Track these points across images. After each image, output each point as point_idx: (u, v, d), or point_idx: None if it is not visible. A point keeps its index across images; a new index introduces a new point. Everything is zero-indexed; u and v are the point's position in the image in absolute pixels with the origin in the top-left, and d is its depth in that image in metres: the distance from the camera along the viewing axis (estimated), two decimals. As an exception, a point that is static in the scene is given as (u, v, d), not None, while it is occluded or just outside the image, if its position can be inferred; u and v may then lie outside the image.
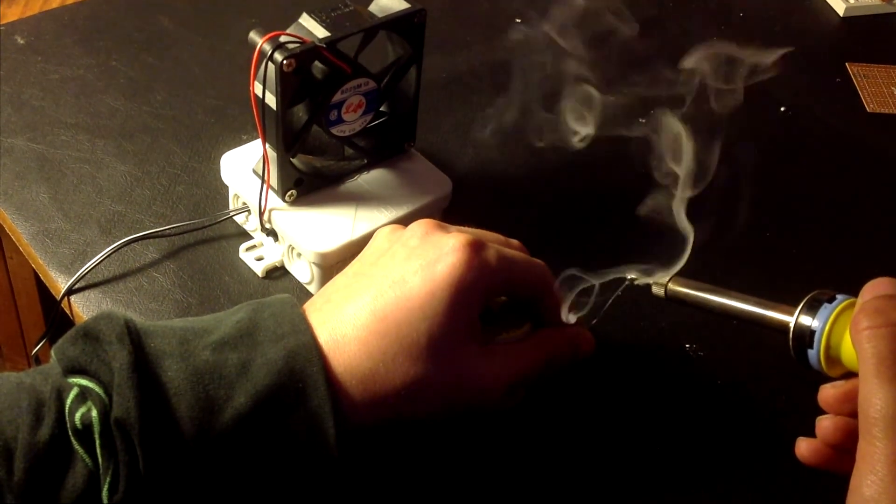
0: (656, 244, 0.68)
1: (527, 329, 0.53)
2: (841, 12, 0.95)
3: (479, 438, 0.55)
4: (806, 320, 0.44)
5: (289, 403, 0.45)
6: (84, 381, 0.44)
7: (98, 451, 0.43)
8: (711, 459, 0.56)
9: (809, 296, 0.44)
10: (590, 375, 0.59)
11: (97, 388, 0.44)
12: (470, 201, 0.69)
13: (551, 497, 0.53)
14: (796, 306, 0.44)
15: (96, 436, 0.43)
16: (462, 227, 0.53)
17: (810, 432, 0.57)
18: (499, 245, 0.52)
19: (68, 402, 0.44)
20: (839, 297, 0.43)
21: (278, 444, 0.46)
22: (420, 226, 0.51)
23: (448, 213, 0.66)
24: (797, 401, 0.59)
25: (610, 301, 0.56)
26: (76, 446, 0.43)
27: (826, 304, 0.43)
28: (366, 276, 0.50)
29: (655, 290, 0.53)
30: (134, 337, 0.45)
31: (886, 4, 0.96)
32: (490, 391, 0.50)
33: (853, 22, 0.95)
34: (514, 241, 0.55)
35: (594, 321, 0.57)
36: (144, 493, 0.43)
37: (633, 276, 0.55)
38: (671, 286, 0.52)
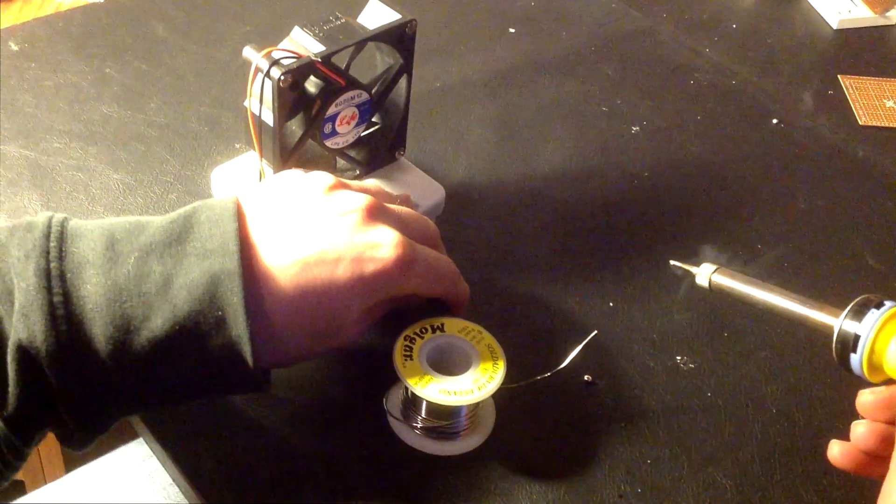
0: (648, 255, 0.69)
1: (491, 386, 0.53)
2: (834, 25, 0.96)
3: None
4: (850, 325, 0.44)
5: (206, 330, 0.45)
6: None
7: None
8: (703, 472, 0.56)
9: (857, 300, 0.44)
10: (582, 387, 0.59)
11: None
12: (463, 209, 0.70)
13: (541, 510, 0.54)
14: (842, 308, 0.45)
15: None
16: (395, 209, 0.54)
17: (801, 441, 0.58)
18: (419, 237, 0.54)
19: None
20: (888, 303, 0.44)
21: (195, 368, 0.46)
22: (360, 205, 0.51)
23: (440, 220, 0.66)
24: (788, 411, 0.59)
25: (577, 350, 0.57)
26: None
27: (873, 310, 0.43)
28: (295, 232, 0.49)
29: (699, 280, 0.53)
30: (52, 244, 0.45)
31: (879, 17, 0.96)
32: (343, 347, 0.53)
33: (846, 34, 0.95)
34: (432, 229, 0.56)
35: (562, 367, 0.57)
36: (40, 414, 0.44)
37: (677, 263, 0.56)
38: (715, 278, 0.52)
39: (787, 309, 0.48)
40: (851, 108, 0.85)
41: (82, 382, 0.44)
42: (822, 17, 0.97)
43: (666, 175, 0.77)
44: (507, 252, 0.68)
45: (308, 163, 0.62)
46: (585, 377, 0.60)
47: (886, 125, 0.84)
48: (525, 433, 0.57)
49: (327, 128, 0.59)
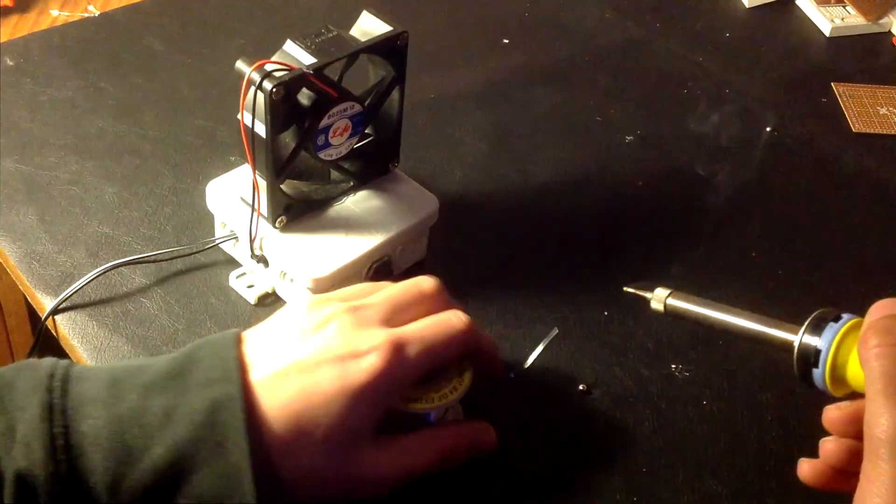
0: (643, 264, 0.69)
1: (460, 390, 0.52)
2: (827, 32, 0.96)
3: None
4: (811, 339, 0.43)
5: (207, 456, 0.44)
6: None
7: None
8: (699, 480, 0.56)
9: (814, 315, 0.44)
10: (576, 397, 0.59)
11: None
12: (457, 220, 0.70)
13: (537, 520, 0.53)
14: (799, 324, 0.44)
15: None
16: (377, 304, 0.51)
17: (797, 449, 0.57)
18: (415, 308, 0.51)
19: None
20: (845, 316, 0.43)
21: (195, 497, 0.45)
22: (338, 316, 0.50)
23: (435, 232, 0.67)
24: (784, 418, 0.59)
25: (540, 348, 0.56)
26: None
27: (832, 324, 0.43)
28: (279, 352, 0.48)
29: (654, 305, 0.52)
30: (56, 384, 0.45)
31: (872, 24, 0.96)
32: (378, 488, 0.50)
33: (839, 42, 0.96)
34: (428, 288, 0.53)
35: (526, 365, 0.57)
36: None
37: (631, 290, 0.55)
38: (670, 301, 0.51)
39: (744, 328, 0.48)
40: (845, 115, 0.86)
41: None
42: (815, 25, 0.97)
43: (660, 184, 0.77)
44: (500, 262, 0.68)
45: (302, 175, 0.62)
46: (580, 386, 0.60)
47: (880, 132, 0.84)
48: (519, 443, 0.57)
49: (320, 139, 0.59)
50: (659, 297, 0.52)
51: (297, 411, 0.46)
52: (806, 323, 0.44)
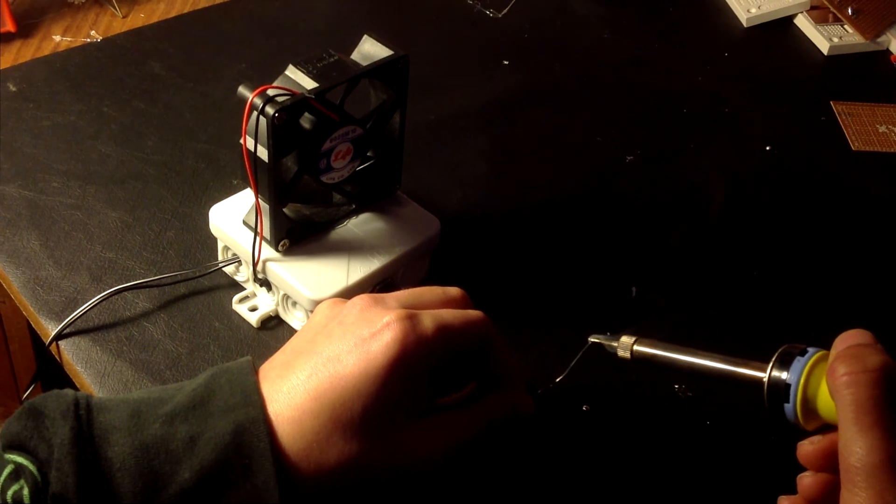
0: (644, 283, 0.69)
1: (470, 389, 0.53)
2: (825, 50, 0.96)
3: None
4: (779, 375, 0.44)
5: (234, 479, 0.45)
6: (19, 458, 0.44)
7: None
8: (702, 502, 0.56)
9: (780, 350, 0.44)
10: (580, 417, 0.59)
11: (31, 466, 0.44)
12: (459, 241, 0.70)
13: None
14: (765, 361, 0.44)
15: None
16: (400, 294, 0.52)
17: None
18: (437, 306, 0.52)
19: (1, 479, 0.44)
20: (810, 349, 0.43)
21: None
22: (357, 301, 0.51)
23: (437, 254, 0.67)
24: (788, 440, 0.59)
25: (573, 364, 0.56)
26: None
27: (798, 358, 0.43)
28: (303, 353, 0.49)
29: (621, 353, 0.52)
30: (82, 413, 0.45)
31: (870, 43, 0.97)
32: (427, 463, 0.50)
33: (838, 60, 0.96)
34: (453, 291, 0.54)
35: (558, 379, 0.57)
36: None
37: (596, 340, 0.55)
38: (637, 348, 0.52)
39: (712, 369, 0.48)
40: (844, 133, 0.86)
41: None
42: (813, 44, 0.98)
43: (660, 203, 0.77)
44: (502, 282, 0.68)
45: (304, 198, 0.62)
46: (584, 407, 0.60)
47: (879, 150, 0.84)
48: (522, 463, 0.57)
49: (322, 163, 0.59)
50: (625, 346, 0.52)
51: (331, 401, 0.47)
52: (773, 359, 0.44)
